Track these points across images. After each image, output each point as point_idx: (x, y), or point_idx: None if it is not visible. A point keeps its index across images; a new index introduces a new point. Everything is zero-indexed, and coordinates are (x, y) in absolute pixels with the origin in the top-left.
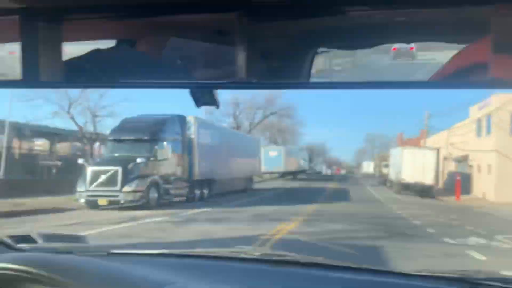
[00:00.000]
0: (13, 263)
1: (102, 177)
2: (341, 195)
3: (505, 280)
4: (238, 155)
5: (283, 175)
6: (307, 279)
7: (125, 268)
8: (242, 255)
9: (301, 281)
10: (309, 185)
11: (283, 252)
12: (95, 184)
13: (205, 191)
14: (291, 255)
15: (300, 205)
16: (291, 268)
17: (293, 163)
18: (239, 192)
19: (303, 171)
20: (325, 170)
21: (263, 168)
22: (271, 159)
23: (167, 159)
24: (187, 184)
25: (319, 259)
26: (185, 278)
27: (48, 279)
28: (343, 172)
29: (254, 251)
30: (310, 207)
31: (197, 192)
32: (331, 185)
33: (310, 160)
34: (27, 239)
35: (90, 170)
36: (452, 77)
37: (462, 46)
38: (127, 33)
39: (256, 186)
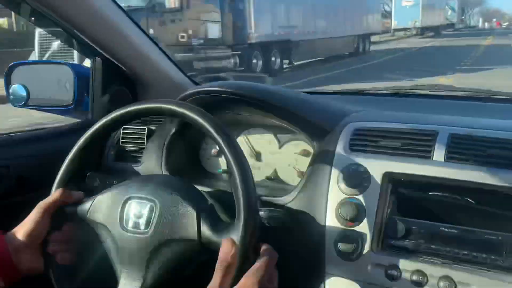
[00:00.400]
0: (228, 87)
1: None
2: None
3: None
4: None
5: (422, 31)
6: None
7: (311, 97)
8: (423, 91)
9: (485, 112)
10: (454, 43)
11: (467, 88)
12: None
13: (276, 60)
14: (471, 90)
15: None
16: (478, 103)
17: (435, 14)
18: (342, 57)
19: (450, 25)
20: (481, 24)
21: (394, 24)
22: (405, 10)
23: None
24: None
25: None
26: (368, 107)
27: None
28: (505, 25)
29: (436, 88)
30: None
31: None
32: (485, 41)
33: (462, 11)
34: None
35: None
36: None
37: None
38: None
39: (377, 47)
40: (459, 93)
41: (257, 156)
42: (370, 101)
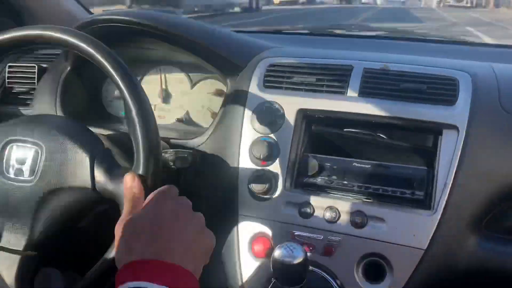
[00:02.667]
0: (126, 15)
1: None
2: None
3: None
4: None
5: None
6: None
7: (224, 31)
8: (342, 32)
9: (400, 50)
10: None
11: (385, 27)
12: None
13: None
14: (388, 29)
15: None
16: (395, 41)
17: None
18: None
19: None
20: None
21: None
22: None
23: None
24: None
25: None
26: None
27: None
28: None
29: (352, 28)
30: None
31: None
32: None
33: None
34: None
35: None
36: None
37: None
38: None
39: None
40: (375, 33)
41: (167, 96)
42: (289, 39)
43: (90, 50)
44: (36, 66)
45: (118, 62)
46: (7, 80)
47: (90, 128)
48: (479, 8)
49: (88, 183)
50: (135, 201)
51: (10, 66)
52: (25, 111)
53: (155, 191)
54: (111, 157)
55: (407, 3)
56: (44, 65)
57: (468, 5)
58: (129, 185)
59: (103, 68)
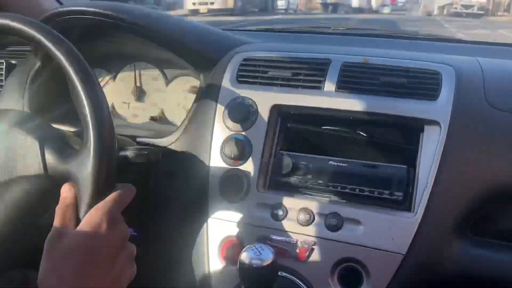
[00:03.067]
0: (94, 7)
1: None
2: None
3: None
4: None
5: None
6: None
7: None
8: (326, 30)
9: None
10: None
11: (370, 26)
12: None
13: None
14: (379, 28)
15: None
16: (380, 38)
17: None
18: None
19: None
20: None
21: None
22: None
23: None
24: None
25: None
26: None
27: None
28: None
29: (340, 26)
30: None
31: None
32: None
33: None
34: None
35: None
36: None
37: None
38: None
39: None
40: (362, 31)
41: (142, 94)
42: (273, 36)
43: (33, 32)
44: (5, 62)
45: (69, 49)
46: None
47: (57, 126)
48: (492, 17)
49: (39, 168)
50: (66, 211)
51: None
52: None
53: (97, 208)
54: (62, 139)
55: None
56: (13, 62)
57: (480, 12)
58: (64, 195)
59: (51, 54)
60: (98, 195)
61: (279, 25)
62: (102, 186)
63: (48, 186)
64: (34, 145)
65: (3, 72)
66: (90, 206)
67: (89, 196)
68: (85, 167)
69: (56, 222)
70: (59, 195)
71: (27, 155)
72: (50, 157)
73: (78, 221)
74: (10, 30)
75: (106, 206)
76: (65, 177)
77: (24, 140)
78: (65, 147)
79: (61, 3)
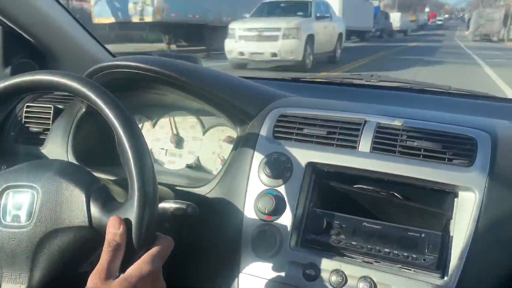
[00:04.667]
0: (139, 62)
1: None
2: None
3: None
4: None
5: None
6: (422, 101)
7: (237, 79)
8: (358, 81)
9: (419, 104)
10: None
11: (402, 79)
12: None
13: None
14: (411, 81)
15: None
16: (411, 93)
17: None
18: None
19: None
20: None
21: None
22: None
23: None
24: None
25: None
26: (296, 93)
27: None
28: (441, 19)
29: (372, 78)
30: None
31: None
32: None
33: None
34: None
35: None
36: None
37: None
38: None
39: None
40: (394, 84)
41: (179, 141)
42: (305, 88)
43: (84, 90)
44: (53, 107)
45: (118, 106)
46: (24, 120)
47: (99, 173)
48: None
49: (84, 220)
50: (116, 249)
51: (27, 106)
52: (37, 151)
53: (144, 262)
54: (107, 192)
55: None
56: (60, 106)
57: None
58: (112, 228)
59: (100, 109)
60: (139, 246)
61: (309, 75)
62: (144, 237)
63: (91, 237)
64: (81, 198)
65: (50, 117)
66: (132, 251)
67: (130, 242)
68: (129, 218)
69: (105, 259)
70: (102, 245)
71: (73, 207)
72: (95, 210)
73: (124, 263)
74: (58, 86)
75: (151, 260)
76: None
77: (72, 192)
78: (109, 200)
79: (113, 56)
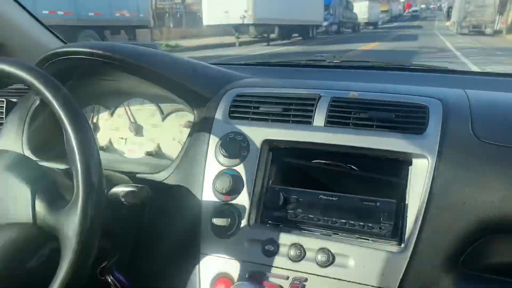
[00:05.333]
0: (91, 48)
1: None
2: None
3: None
4: None
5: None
6: (384, 78)
7: (193, 62)
8: (321, 63)
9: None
10: None
11: (363, 58)
12: None
13: None
14: (372, 60)
15: None
16: (373, 71)
17: None
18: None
19: None
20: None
21: None
22: None
23: None
24: None
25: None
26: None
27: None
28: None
29: (334, 58)
30: None
31: None
32: None
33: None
34: None
35: None
36: None
37: None
38: None
39: None
40: (356, 63)
41: (139, 129)
42: (269, 71)
43: (30, 79)
44: (5, 101)
45: (63, 96)
46: None
47: (55, 164)
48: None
49: (29, 218)
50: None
51: None
52: None
53: None
54: (54, 189)
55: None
56: (14, 100)
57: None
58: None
59: (45, 99)
60: (81, 253)
61: (274, 59)
62: (86, 245)
63: (35, 234)
64: (26, 193)
65: (3, 111)
66: (72, 262)
67: (73, 252)
68: (72, 224)
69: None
70: (47, 242)
71: (19, 203)
72: (40, 208)
73: None
74: (8, 75)
75: None
76: (52, 230)
77: (18, 185)
78: (56, 198)
79: (65, 43)
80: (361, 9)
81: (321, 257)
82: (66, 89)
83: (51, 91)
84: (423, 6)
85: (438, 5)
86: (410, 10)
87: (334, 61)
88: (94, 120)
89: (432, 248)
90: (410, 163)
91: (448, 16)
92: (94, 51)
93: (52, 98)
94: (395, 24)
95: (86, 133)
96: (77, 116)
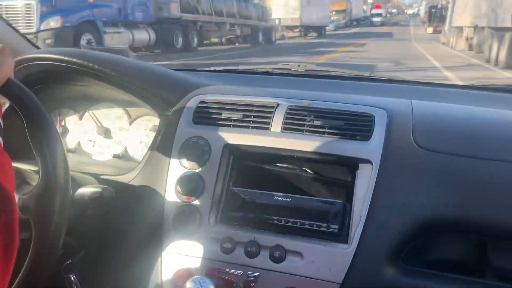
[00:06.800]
0: (60, 54)
1: None
2: None
3: None
4: None
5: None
6: (345, 87)
7: (160, 68)
8: (286, 71)
9: (338, 88)
10: None
11: (326, 68)
12: None
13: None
14: (335, 70)
15: None
16: (334, 80)
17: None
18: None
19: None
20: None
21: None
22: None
23: None
24: None
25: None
26: (226, 83)
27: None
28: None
29: (299, 67)
30: None
31: None
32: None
33: None
34: None
35: None
36: None
37: None
38: None
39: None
40: (319, 72)
41: (106, 133)
42: (235, 78)
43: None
44: None
45: (30, 100)
46: None
47: (25, 166)
48: None
49: None
50: None
51: None
52: None
53: None
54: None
55: None
56: None
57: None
58: None
59: (13, 103)
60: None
61: (242, 66)
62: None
63: None
64: None
65: None
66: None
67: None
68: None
69: None
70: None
71: None
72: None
73: None
74: None
75: None
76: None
77: None
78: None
79: (38, 47)
80: (287, 3)
81: (274, 254)
82: (32, 93)
83: (19, 95)
84: (394, 10)
85: (411, 12)
86: (372, 13)
87: (299, 70)
88: (63, 123)
89: (375, 245)
90: (357, 167)
91: (430, 20)
92: (62, 57)
93: (19, 102)
94: (354, 30)
95: (52, 136)
96: (44, 120)
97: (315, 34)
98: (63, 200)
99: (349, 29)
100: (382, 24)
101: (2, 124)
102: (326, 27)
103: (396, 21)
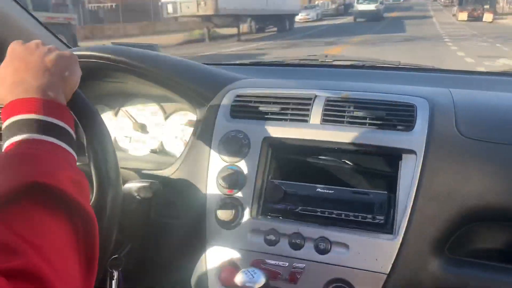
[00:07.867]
0: (98, 51)
1: None
2: None
3: None
4: None
5: None
6: (374, 77)
7: (194, 64)
8: (314, 62)
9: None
10: None
11: (355, 57)
12: None
13: None
14: (363, 59)
15: None
16: (362, 70)
17: None
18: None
19: None
20: None
21: None
22: None
23: None
24: None
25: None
26: (255, 76)
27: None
28: None
29: (326, 58)
30: None
31: None
32: None
33: None
34: None
35: None
36: None
37: None
38: None
39: None
40: (348, 62)
41: (142, 128)
42: (264, 71)
43: None
44: None
45: (80, 97)
46: None
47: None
48: None
49: None
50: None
51: None
52: None
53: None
54: None
55: None
56: None
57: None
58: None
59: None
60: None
61: (268, 59)
62: (109, 220)
63: None
64: None
65: None
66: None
67: None
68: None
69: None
70: None
71: None
72: None
73: None
74: None
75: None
76: None
77: None
78: None
79: (69, 47)
80: None
81: (319, 245)
82: (97, 110)
83: (85, 112)
84: None
85: None
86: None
87: (327, 60)
88: None
89: (421, 235)
90: (400, 158)
91: (462, 1)
92: (103, 54)
93: (83, 120)
94: (341, 21)
95: (103, 133)
96: (94, 117)
97: (272, 28)
98: (115, 195)
99: (335, 18)
100: (393, 9)
101: (74, 136)
102: (296, 16)
103: (410, 6)
